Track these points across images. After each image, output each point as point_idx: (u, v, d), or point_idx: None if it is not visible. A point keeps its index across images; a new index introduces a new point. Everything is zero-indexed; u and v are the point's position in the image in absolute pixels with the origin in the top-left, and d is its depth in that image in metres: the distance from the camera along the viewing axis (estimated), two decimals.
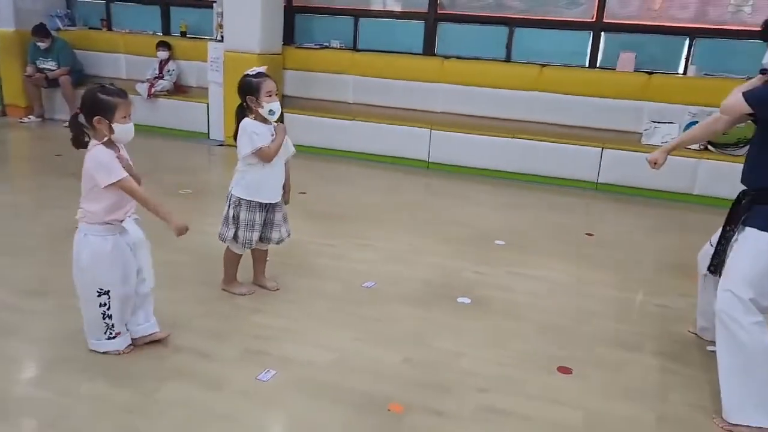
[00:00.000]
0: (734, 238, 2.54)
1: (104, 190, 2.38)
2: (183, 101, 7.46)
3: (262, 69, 3.11)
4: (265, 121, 3.08)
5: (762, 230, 2.39)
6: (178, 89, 7.69)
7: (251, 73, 3.07)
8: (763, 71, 2.47)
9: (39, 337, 2.75)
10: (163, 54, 7.55)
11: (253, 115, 3.08)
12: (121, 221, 2.49)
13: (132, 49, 7.99)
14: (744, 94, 2.39)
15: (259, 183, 3.06)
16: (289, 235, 3.26)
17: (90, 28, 8.49)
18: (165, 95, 7.46)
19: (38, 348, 2.68)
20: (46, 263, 3.55)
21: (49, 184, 5.25)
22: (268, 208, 3.14)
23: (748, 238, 2.43)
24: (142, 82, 7.47)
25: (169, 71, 7.59)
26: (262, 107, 3.02)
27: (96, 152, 2.40)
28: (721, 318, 2.42)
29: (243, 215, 3.08)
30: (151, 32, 8.25)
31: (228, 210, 3.10)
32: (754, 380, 2.35)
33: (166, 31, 8.26)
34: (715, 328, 2.48)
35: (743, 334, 2.35)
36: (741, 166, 2.61)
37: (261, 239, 3.19)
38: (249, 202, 3.07)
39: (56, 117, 7.84)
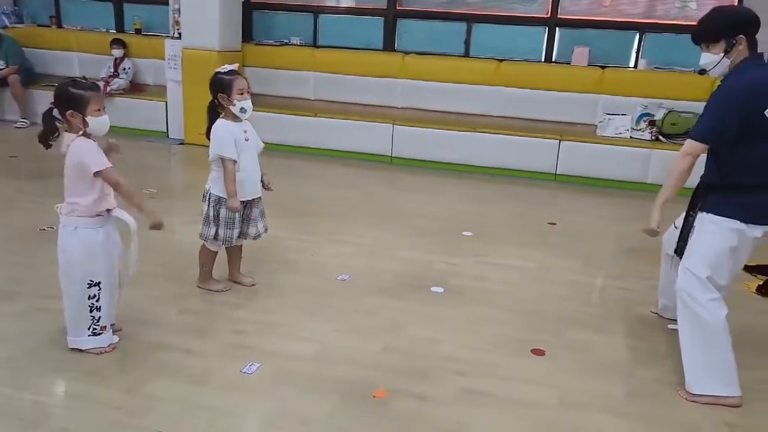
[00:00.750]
0: (691, 220, 2.71)
1: (92, 179, 2.40)
2: (140, 100, 7.33)
3: (234, 67, 3.13)
4: (236, 119, 3.10)
5: (715, 214, 2.55)
6: (135, 88, 7.55)
7: (223, 71, 3.09)
8: (701, 72, 2.64)
9: (14, 339, 2.70)
10: (117, 52, 7.41)
11: (225, 114, 3.10)
12: (110, 211, 2.50)
13: (85, 47, 7.80)
14: (690, 134, 2.56)
15: (237, 181, 3.06)
16: (266, 230, 3.29)
17: (39, 26, 8.26)
18: (121, 94, 7.31)
19: (14, 350, 2.63)
20: (13, 264, 3.48)
21: (2, 185, 5.10)
22: (246, 204, 3.16)
23: (704, 222, 2.59)
24: (97, 80, 7.29)
25: (124, 69, 7.45)
26: (234, 105, 3.05)
27: (80, 142, 2.41)
28: (681, 296, 2.58)
29: (223, 213, 3.09)
30: (104, 29, 8.07)
31: (208, 209, 3.10)
32: (713, 353, 2.51)
33: (120, 28, 8.09)
34: (677, 305, 2.63)
35: (702, 311, 2.51)
36: None
37: (238, 235, 3.20)
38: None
39: (6, 117, 7.57)
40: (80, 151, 2.40)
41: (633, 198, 5.73)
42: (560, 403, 2.47)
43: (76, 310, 2.54)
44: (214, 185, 3.09)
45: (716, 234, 2.53)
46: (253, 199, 3.18)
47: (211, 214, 3.10)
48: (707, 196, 2.60)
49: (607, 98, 6.24)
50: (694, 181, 2.71)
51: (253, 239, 3.25)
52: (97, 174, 2.40)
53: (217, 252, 3.24)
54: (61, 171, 2.47)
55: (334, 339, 2.86)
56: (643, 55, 6.42)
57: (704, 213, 2.60)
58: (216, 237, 3.13)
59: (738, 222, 2.49)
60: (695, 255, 2.57)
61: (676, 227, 2.90)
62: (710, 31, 2.56)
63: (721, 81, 2.61)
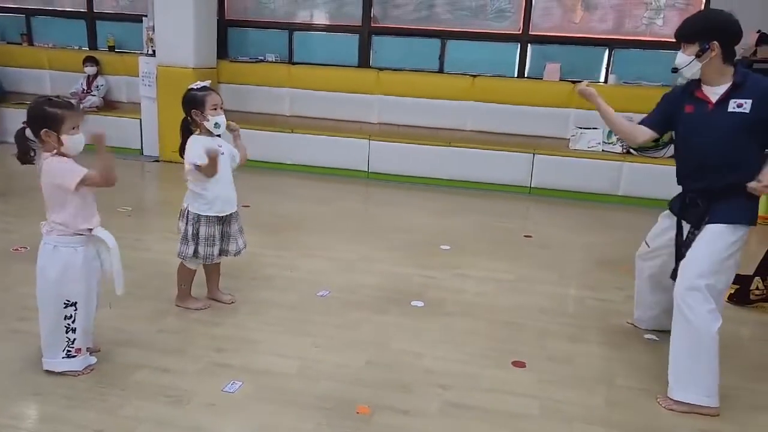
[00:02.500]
0: (691, 237, 2.68)
1: (72, 195, 2.37)
2: (114, 117, 7.26)
3: (206, 83, 3.14)
4: (210, 134, 3.10)
5: (726, 223, 2.54)
6: (108, 105, 7.50)
7: (195, 87, 3.10)
8: (674, 70, 2.68)
9: None
10: (90, 69, 7.36)
11: (198, 130, 3.10)
12: (91, 230, 2.47)
13: (57, 65, 7.74)
14: (643, 122, 2.73)
15: (213, 196, 3.07)
16: (245, 246, 3.28)
17: (9, 43, 8.16)
18: (95, 111, 7.24)
19: None
20: None
21: None
22: (224, 220, 3.15)
23: (710, 233, 2.58)
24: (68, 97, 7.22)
25: (97, 87, 7.40)
26: (208, 120, 3.06)
27: (52, 161, 2.38)
28: (678, 304, 2.56)
29: (203, 231, 3.07)
30: (77, 47, 8.00)
31: (186, 227, 3.09)
32: (700, 363, 2.53)
33: (93, 45, 8.02)
34: (673, 313, 2.60)
35: (698, 321, 2.50)
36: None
37: (219, 252, 3.19)
38: (207, 217, 3.07)
39: None
40: (54, 173, 2.37)
41: (605, 210, 5.84)
42: (542, 414, 2.50)
43: (51, 330, 2.50)
44: (192, 203, 3.08)
45: (723, 242, 2.54)
46: (231, 215, 3.18)
47: (190, 232, 3.08)
48: (712, 209, 2.60)
49: (579, 112, 6.36)
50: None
51: (234, 256, 3.24)
52: (78, 186, 2.36)
53: (195, 270, 3.22)
54: (32, 189, 2.43)
55: (315, 355, 2.86)
56: (612, 70, 6.58)
57: (711, 225, 2.59)
58: (196, 255, 3.11)
59: (746, 226, 2.54)
60: (700, 266, 2.54)
61: (647, 245, 2.98)
62: (687, 31, 2.59)
63: None
